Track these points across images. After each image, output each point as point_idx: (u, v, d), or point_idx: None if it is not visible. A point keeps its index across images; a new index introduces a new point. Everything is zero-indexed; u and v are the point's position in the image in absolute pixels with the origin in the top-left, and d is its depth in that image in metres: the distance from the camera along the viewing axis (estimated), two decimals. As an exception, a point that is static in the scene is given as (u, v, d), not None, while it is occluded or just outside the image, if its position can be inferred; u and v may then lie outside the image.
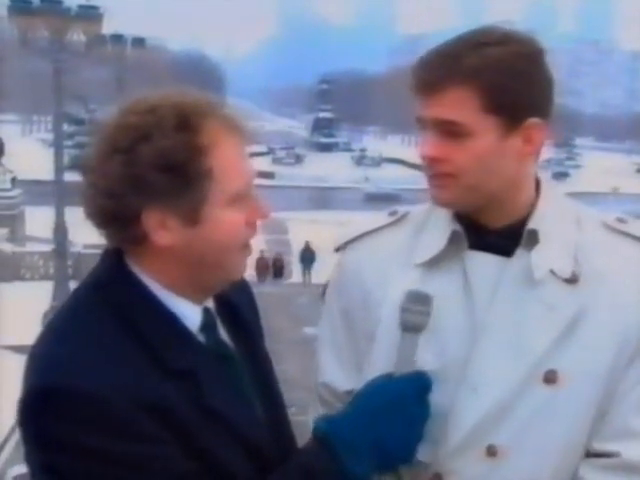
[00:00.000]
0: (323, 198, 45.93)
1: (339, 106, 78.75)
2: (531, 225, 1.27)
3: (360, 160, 66.38)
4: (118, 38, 20.38)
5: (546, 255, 1.25)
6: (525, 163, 1.27)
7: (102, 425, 1.06)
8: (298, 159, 66.50)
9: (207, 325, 1.21)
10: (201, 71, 79.81)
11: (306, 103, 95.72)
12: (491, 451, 1.22)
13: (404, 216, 1.39)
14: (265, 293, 13.00)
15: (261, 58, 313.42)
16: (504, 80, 1.20)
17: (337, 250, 1.41)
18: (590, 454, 1.24)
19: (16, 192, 22.84)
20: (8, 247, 18.61)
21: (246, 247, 1.20)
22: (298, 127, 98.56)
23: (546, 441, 1.22)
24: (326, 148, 75.60)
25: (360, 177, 55.45)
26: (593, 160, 70.91)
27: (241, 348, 1.26)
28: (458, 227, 1.29)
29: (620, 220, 1.32)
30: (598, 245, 1.28)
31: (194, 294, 1.19)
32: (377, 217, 1.41)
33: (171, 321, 1.16)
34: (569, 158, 71.99)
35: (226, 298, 1.27)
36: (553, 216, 1.28)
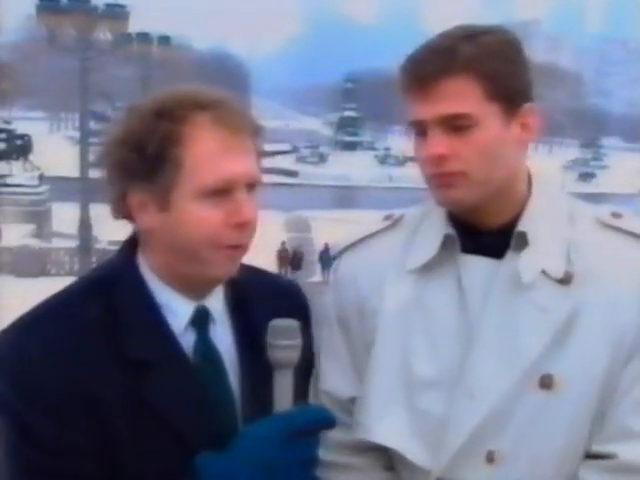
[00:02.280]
0: (346, 197, 45.89)
1: (363, 105, 78.64)
2: (520, 227, 1.25)
3: (384, 159, 66.22)
4: (144, 36, 20.52)
5: (536, 256, 1.23)
6: (521, 153, 1.26)
7: (22, 386, 1.10)
8: (322, 158, 66.50)
9: (197, 323, 1.21)
10: (226, 69, 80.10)
11: (330, 102, 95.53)
12: (490, 457, 1.21)
13: (398, 220, 1.37)
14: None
15: (286, 57, 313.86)
16: (501, 66, 1.20)
17: (334, 258, 1.40)
18: (590, 455, 1.23)
19: (43, 189, 23.11)
20: (35, 243, 18.82)
21: (226, 248, 1.17)
22: (322, 125, 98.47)
23: (545, 446, 1.21)
24: (350, 147, 75.55)
25: (384, 176, 55.32)
26: (620, 160, 70.04)
27: (245, 353, 1.24)
28: (451, 230, 1.27)
29: (615, 215, 1.28)
30: (591, 242, 1.25)
31: (184, 288, 1.20)
32: (373, 222, 1.39)
33: (152, 313, 1.18)
34: (595, 158, 71.24)
35: (243, 302, 1.26)
36: (545, 214, 1.26)
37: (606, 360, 1.20)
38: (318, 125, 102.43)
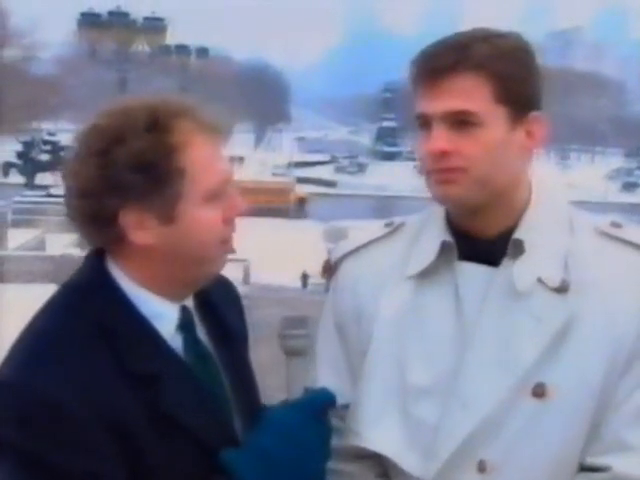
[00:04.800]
0: (386, 207, 45.78)
1: (402, 115, 78.51)
2: (517, 234, 1.24)
3: (423, 169, 65.76)
4: (182, 48, 20.81)
5: (532, 265, 1.22)
6: (524, 161, 1.25)
7: (45, 428, 1.06)
8: (361, 168, 66.57)
9: (184, 324, 1.21)
10: (265, 81, 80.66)
11: (370, 112, 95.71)
12: (481, 467, 1.20)
13: (399, 227, 1.37)
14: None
15: (325, 67, 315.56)
16: (513, 70, 1.20)
17: (334, 264, 1.39)
18: (584, 468, 1.21)
19: (84, 200, 23.46)
20: (76, 252, 19.14)
21: (225, 243, 1.21)
22: (361, 136, 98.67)
23: (537, 456, 1.20)
24: (389, 157, 75.50)
25: (423, 186, 55.02)
26: (665, 169, 68.52)
27: (219, 347, 1.26)
28: (449, 237, 1.27)
29: (614, 225, 1.27)
30: (590, 251, 1.24)
31: (173, 292, 1.20)
32: (374, 229, 1.39)
33: (142, 325, 1.16)
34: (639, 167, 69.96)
35: (206, 297, 1.27)
36: (543, 223, 1.25)
37: (601, 371, 1.19)
38: (357, 135, 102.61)
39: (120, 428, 1.09)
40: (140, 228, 1.14)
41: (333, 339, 1.35)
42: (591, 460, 1.20)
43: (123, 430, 1.09)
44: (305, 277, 19.56)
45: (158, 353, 1.16)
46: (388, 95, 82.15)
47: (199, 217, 1.15)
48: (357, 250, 1.37)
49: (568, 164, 72.84)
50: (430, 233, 1.30)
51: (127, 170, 1.11)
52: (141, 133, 1.12)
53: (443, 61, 1.18)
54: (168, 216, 1.14)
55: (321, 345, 1.36)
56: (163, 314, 1.19)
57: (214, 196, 1.16)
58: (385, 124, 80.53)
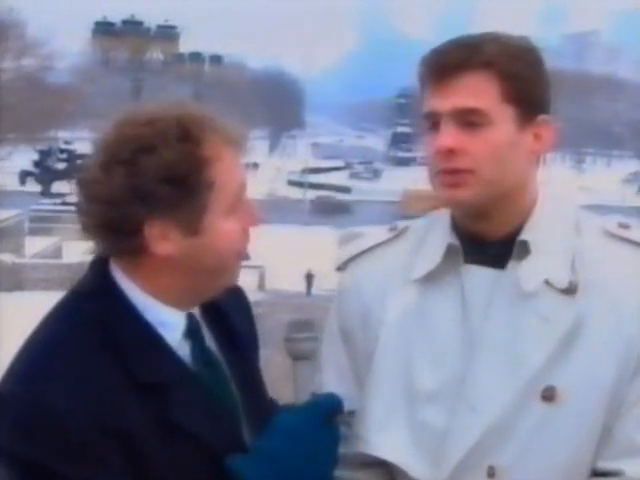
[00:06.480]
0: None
1: (417, 120, 78.27)
2: (522, 236, 1.23)
3: (438, 174, 65.55)
4: (196, 56, 20.96)
5: (539, 266, 1.21)
6: (532, 164, 1.25)
7: (51, 440, 1.05)
8: (375, 174, 66.58)
9: (191, 331, 1.20)
10: (279, 87, 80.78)
11: (384, 117, 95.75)
12: (491, 472, 1.18)
13: (404, 231, 1.36)
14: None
15: (340, 73, 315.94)
16: (522, 70, 1.20)
17: (339, 269, 1.39)
18: (596, 473, 1.19)
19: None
20: (92, 260, 19.26)
21: (241, 254, 1.20)
22: (376, 141, 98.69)
23: (547, 461, 1.18)
24: (404, 162, 75.42)
25: (438, 191, 54.82)
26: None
27: (229, 355, 1.25)
28: (455, 240, 1.26)
29: (622, 226, 1.26)
30: (597, 252, 1.23)
31: (185, 302, 1.19)
32: (378, 233, 1.39)
33: (148, 332, 1.15)
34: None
35: (215, 305, 1.25)
36: (549, 224, 1.24)
37: (612, 373, 1.17)
38: (372, 141, 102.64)
39: (126, 437, 1.08)
40: (163, 239, 1.12)
41: (338, 344, 1.34)
42: (603, 464, 1.18)
43: (129, 439, 1.08)
44: (310, 277, 19.41)
45: (165, 361, 1.14)
46: (402, 101, 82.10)
47: (223, 229, 1.15)
48: (362, 254, 1.36)
49: (584, 168, 72.40)
50: (435, 236, 1.29)
51: (157, 181, 1.09)
52: (173, 144, 1.10)
53: (453, 59, 1.18)
54: (194, 228, 1.13)
55: (326, 350, 1.35)
56: (169, 322, 1.17)
57: (235, 206, 1.16)
58: (400, 129, 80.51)
